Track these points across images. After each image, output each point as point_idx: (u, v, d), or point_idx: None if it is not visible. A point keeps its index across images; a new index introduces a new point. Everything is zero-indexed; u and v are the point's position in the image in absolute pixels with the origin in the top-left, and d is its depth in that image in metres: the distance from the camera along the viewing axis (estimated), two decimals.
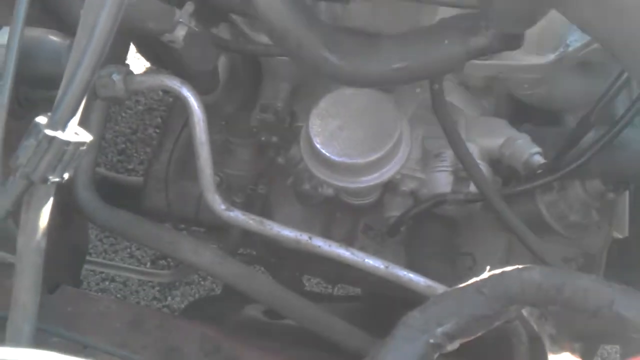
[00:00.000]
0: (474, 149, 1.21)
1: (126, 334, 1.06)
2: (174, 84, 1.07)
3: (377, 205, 1.33)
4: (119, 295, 2.26)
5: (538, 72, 1.22)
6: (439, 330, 0.76)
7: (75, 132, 0.66)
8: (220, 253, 1.21)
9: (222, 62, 1.26)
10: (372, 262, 1.11)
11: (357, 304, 1.76)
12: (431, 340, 0.76)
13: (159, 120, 2.53)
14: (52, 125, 0.64)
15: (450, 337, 0.77)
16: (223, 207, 1.12)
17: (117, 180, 1.92)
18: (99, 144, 1.19)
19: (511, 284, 0.79)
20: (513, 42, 0.92)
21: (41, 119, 0.64)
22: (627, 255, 1.43)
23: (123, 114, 2.55)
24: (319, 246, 1.11)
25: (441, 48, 0.92)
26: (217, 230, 1.53)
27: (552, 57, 1.19)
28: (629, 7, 0.73)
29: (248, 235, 1.44)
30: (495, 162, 1.26)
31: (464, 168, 1.16)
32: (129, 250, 2.38)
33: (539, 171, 1.21)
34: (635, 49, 0.75)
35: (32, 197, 0.67)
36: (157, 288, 2.28)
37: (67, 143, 0.65)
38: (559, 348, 0.80)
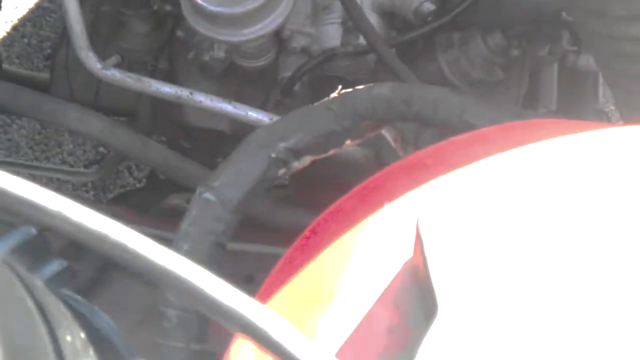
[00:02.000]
0: (365, 0, 1.17)
1: None
2: None
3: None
4: None
5: None
6: (282, 145, 0.75)
7: None
8: (109, 120, 1.18)
9: None
10: (256, 115, 1.08)
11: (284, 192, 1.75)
12: (273, 155, 0.74)
13: None
14: None
15: (295, 152, 0.75)
16: (99, 65, 1.08)
17: (27, 76, 1.87)
18: None
19: (360, 100, 0.77)
20: None
21: None
22: None
23: (47, 18, 2.48)
24: (201, 101, 1.08)
25: None
26: (126, 116, 1.49)
27: None
28: None
29: (158, 120, 1.42)
30: (389, 14, 1.23)
31: (350, 17, 1.13)
32: (60, 156, 2.34)
33: (429, 19, 1.18)
34: None
35: None
36: (92, 192, 2.25)
37: None
38: None
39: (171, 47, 1.42)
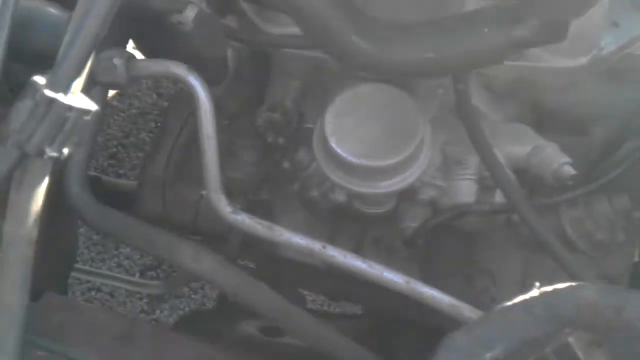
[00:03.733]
0: (499, 156, 1.12)
1: (117, 348, 0.97)
2: (181, 70, 0.98)
3: (388, 215, 1.24)
4: (105, 307, 2.15)
5: (568, 76, 1.14)
6: (489, 355, 0.67)
7: (78, 98, 0.56)
8: (222, 260, 1.11)
9: (229, 54, 1.17)
10: (392, 277, 1.01)
11: (359, 323, 1.67)
12: None
13: (152, 124, 2.45)
14: (52, 85, 0.54)
15: None
16: (229, 209, 1.02)
17: (109, 182, 1.83)
18: (96, 136, 1.10)
19: (564, 303, 0.70)
20: (559, 32, 0.83)
21: (39, 79, 0.54)
22: None
23: (115, 117, 2.47)
24: (334, 256, 1.01)
25: (480, 37, 0.83)
26: (215, 240, 1.44)
27: (584, 60, 1.12)
28: None
29: (247, 246, 1.36)
30: (521, 171, 1.18)
31: (492, 176, 1.08)
32: (116, 259, 2.28)
33: (569, 183, 1.12)
34: None
35: (25, 173, 0.56)
36: (145, 300, 2.18)
37: (70, 108, 0.55)
38: None
39: (274, 178, 1.38)
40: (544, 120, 1.28)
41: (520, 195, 1.07)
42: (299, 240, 1.02)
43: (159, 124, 2.24)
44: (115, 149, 2.41)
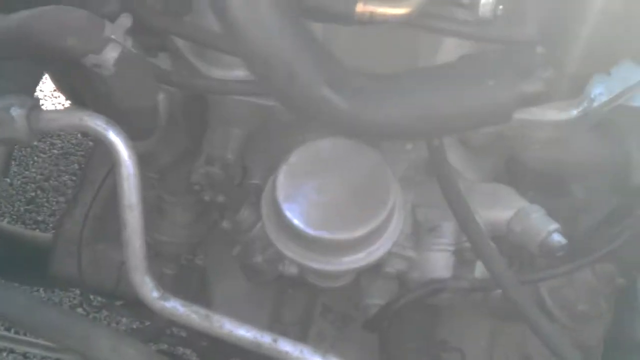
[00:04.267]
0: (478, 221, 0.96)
1: None
2: (97, 124, 0.79)
3: (345, 287, 1.07)
4: None
5: (556, 130, 0.99)
6: None
7: None
8: (147, 350, 0.92)
9: (160, 100, 0.99)
10: None
11: None
12: None
13: (76, 166, 2.24)
14: None
15: None
16: (156, 294, 0.83)
17: (22, 236, 1.63)
18: None
19: None
20: (577, 85, 0.68)
21: None
22: None
23: (35, 158, 2.27)
24: (287, 352, 0.83)
25: (484, 92, 0.67)
26: (141, 306, 1.26)
27: (574, 112, 0.97)
28: None
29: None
30: (499, 238, 1.02)
31: (473, 247, 0.92)
32: None
33: (559, 254, 0.97)
34: None
35: None
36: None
37: None
38: None
39: (210, 240, 1.20)
40: (519, 178, 1.14)
41: (506, 272, 0.92)
42: (244, 332, 0.83)
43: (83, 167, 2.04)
44: (33, 193, 2.20)
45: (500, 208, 1.01)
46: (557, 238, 0.97)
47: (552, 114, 0.97)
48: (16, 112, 0.75)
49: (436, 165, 0.91)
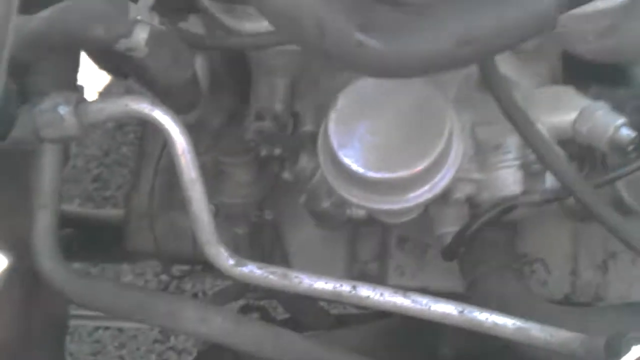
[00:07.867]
0: (543, 131, 0.93)
1: None
2: (143, 107, 0.78)
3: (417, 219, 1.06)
4: (116, 344, 1.99)
5: (607, 18, 0.95)
6: None
7: None
8: (233, 316, 0.93)
9: (199, 65, 0.98)
10: (442, 309, 0.83)
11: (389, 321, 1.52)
12: None
13: (132, 136, 2.25)
14: None
15: None
16: (232, 261, 0.84)
17: (94, 217, 1.66)
18: (58, 199, 0.91)
19: None
20: None
21: None
22: None
23: (92, 135, 2.27)
24: (368, 297, 0.82)
25: (522, 4, 0.63)
26: None
27: None
28: None
29: None
30: (566, 142, 0.99)
31: (539, 159, 0.89)
32: None
33: (630, 148, 0.94)
34: None
35: None
36: (158, 329, 2.00)
37: None
38: None
39: (276, 194, 1.20)
40: (578, 75, 1.10)
41: (577, 178, 0.89)
42: (323, 284, 0.83)
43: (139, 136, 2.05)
44: (97, 170, 2.23)
45: (563, 111, 0.97)
46: (626, 131, 0.93)
47: (601, 3, 0.93)
48: (64, 111, 0.75)
49: (488, 78, 0.87)
